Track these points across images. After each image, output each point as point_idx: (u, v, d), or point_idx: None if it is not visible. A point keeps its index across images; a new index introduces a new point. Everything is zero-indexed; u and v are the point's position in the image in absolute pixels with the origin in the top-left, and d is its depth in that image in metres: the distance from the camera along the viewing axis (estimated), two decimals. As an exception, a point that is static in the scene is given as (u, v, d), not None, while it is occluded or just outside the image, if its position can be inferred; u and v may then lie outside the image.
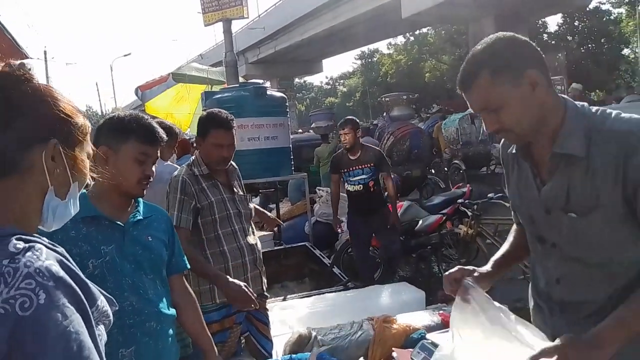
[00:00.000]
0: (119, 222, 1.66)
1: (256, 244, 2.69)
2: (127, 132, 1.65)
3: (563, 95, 1.37)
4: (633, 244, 1.29)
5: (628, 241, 1.29)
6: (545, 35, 29.54)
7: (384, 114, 14.55)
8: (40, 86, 0.90)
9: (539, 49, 1.35)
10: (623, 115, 1.29)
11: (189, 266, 1.93)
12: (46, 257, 0.79)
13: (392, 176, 4.96)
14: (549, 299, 1.48)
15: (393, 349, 2.52)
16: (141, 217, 1.73)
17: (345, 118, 4.83)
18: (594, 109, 1.34)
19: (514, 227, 1.71)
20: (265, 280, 2.74)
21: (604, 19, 27.96)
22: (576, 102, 1.36)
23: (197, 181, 2.53)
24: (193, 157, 2.68)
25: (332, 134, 11.46)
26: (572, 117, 1.31)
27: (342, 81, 60.21)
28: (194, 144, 3.36)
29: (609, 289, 1.33)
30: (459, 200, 5.52)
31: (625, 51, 29.13)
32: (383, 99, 14.46)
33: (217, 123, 2.52)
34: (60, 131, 0.89)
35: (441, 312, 2.96)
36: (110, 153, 1.64)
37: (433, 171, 12.34)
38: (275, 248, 5.21)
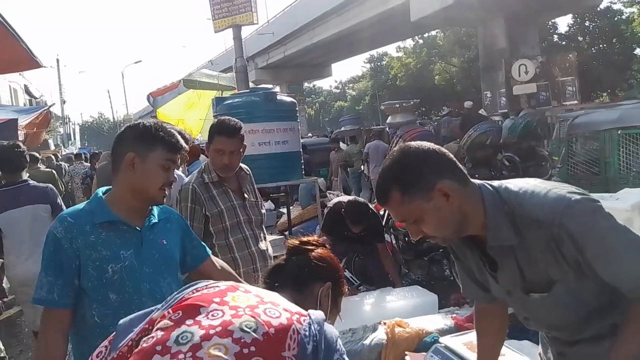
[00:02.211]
0: (136, 227, 1.70)
1: (267, 249, 2.70)
2: (155, 140, 1.69)
3: (476, 183, 1.37)
4: (600, 290, 1.31)
5: (596, 291, 1.32)
6: (555, 36, 29.33)
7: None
8: (322, 252, 1.30)
9: (447, 152, 1.35)
10: (533, 193, 1.31)
11: (210, 252, 1.97)
12: None
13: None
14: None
15: (406, 352, 2.52)
16: (156, 220, 1.76)
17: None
18: (507, 188, 1.35)
19: (475, 322, 1.73)
20: None
21: (615, 19, 27.65)
22: (489, 185, 1.37)
23: (207, 189, 2.55)
24: (204, 164, 2.69)
25: (358, 136, 13.46)
26: (492, 206, 1.32)
27: (351, 85, 60.18)
28: (204, 150, 3.39)
29: (583, 315, 1.39)
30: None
31: (638, 51, 28.79)
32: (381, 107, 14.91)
33: (220, 130, 2.54)
34: (336, 280, 1.29)
35: (454, 315, 2.94)
36: (138, 160, 1.68)
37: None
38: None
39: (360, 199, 4.62)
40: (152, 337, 0.85)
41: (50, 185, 3.85)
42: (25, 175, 3.76)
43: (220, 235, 2.55)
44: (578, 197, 1.26)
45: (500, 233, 1.31)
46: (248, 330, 0.83)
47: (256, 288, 1.00)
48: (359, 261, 5.10)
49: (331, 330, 0.94)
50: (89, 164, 10.15)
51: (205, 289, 0.96)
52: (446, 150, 1.35)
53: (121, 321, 0.94)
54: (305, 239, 1.34)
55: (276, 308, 0.90)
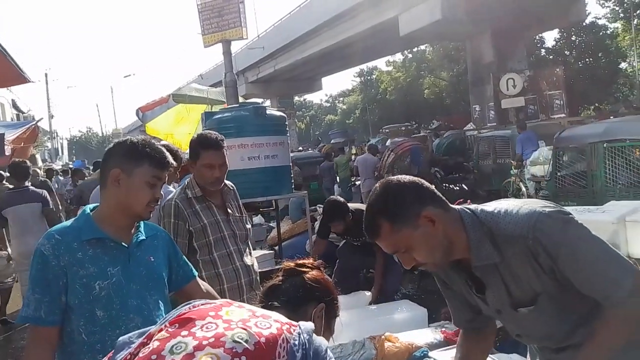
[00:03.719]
0: (123, 244, 1.69)
1: (252, 265, 2.68)
2: (142, 156, 1.69)
3: (455, 208, 1.45)
4: (581, 296, 1.36)
5: (577, 297, 1.37)
6: (542, 51, 29.78)
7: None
8: (317, 274, 1.35)
9: (425, 182, 1.43)
10: (507, 211, 1.38)
11: (196, 273, 1.96)
12: None
13: None
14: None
15: (395, 367, 2.50)
16: (144, 237, 1.76)
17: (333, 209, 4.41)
18: (484, 209, 1.42)
19: (459, 339, 1.77)
20: None
21: (601, 34, 28.18)
22: (466, 209, 1.45)
23: (190, 204, 2.54)
24: (187, 180, 2.68)
25: (346, 147, 15.50)
26: (471, 228, 1.40)
27: (341, 99, 60.54)
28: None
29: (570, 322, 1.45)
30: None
31: (623, 65, 29.31)
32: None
33: (206, 144, 2.52)
34: (330, 301, 1.33)
35: (443, 329, 2.93)
36: (123, 176, 1.67)
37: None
38: (276, 267, 5.18)
39: (340, 199, 4.60)
40: (149, 347, 0.89)
41: (44, 190, 5.61)
42: (27, 182, 5.53)
43: (204, 250, 2.53)
44: (549, 210, 1.33)
45: (482, 253, 1.37)
46: (240, 340, 0.86)
47: (248, 305, 1.03)
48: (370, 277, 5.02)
49: (320, 340, 0.98)
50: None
51: (201, 305, 0.99)
52: (424, 181, 1.43)
53: (120, 338, 0.97)
54: (300, 261, 1.39)
55: (267, 320, 0.94)
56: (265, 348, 0.87)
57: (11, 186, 5.72)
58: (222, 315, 0.94)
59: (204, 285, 1.99)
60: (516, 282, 1.38)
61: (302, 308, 1.27)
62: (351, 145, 16.22)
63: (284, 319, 0.97)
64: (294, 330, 0.93)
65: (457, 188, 10.37)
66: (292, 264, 1.38)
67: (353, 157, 13.98)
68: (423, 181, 1.42)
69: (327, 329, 1.32)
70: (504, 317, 1.50)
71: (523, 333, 1.54)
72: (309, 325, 0.97)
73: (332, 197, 4.94)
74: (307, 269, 1.36)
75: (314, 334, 0.96)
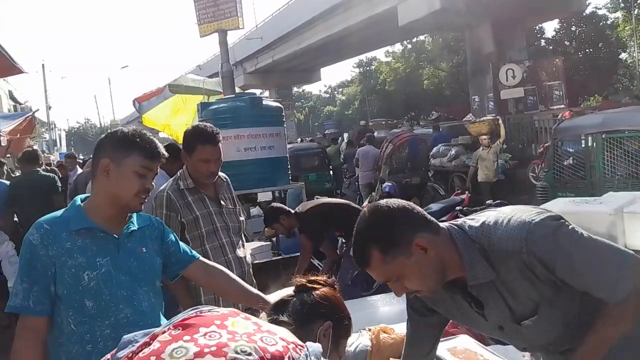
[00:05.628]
0: (114, 235, 1.69)
1: (245, 257, 2.67)
2: (131, 146, 1.68)
3: (443, 226, 1.40)
4: (581, 294, 1.35)
5: (577, 296, 1.36)
6: (542, 41, 29.63)
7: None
8: (327, 291, 1.33)
9: (415, 206, 1.38)
10: (496, 224, 1.34)
11: (197, 256, 1.94)
12: None
13: (390, 184, 4.91)
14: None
15: (391, 359, 2.49)
16: (135, 228, 1.75)
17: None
18: (471, 225, 1.38)
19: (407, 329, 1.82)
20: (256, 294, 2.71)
21: (601, 24, 28.01)
22: (454, 226, 1.40)
23: (182, 195, 2.52)
24: (180, 171, 2.65)
25: (340, 138, 17.11)
26: (464, 247, 1.35)
27: (340, 89, 60.30)
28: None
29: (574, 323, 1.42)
30: (457, 208, 5.51)
31: (623, 55, 29.17)
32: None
33: (203, 138, 2.49)
34: (338, 320, 1.29)
35: (439, 321, 2.92)
36: (112, 166, 1.67)
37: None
38: (274, 258, 5.18)
39: (274, 205, 4.70)
40: (150, 347, 0.87)
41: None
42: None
43: (196, 242, 2.52)
44: (538, 218, 1.29)
45: (477, 272, 1.34)
46: (242, 353, 0.83)
47: (254, 317, 1.00)
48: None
49: None
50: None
51: (208, 312, 0.97)
52: (414, 204, 1.39)
53: (125, 336, 0.96)
54: (313, 277, 1.37)
55: (273, 337, 0.90)
56: None
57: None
58: (227, 325, 0.91)
59: (210, 266, 1.95)
60: (514, 296, 1.36)
61: (309, 325, 1.24)
62: (355, 137, 16.81)
63: (291, 338, 0.93)
64: (301, 350, 0.90)
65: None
66: (304, 280, 1.35)
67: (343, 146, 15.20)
68: (413, 205, 1.38)
69: (334, 350, 1.28)
70: (507, 333, 1.47)
71: (529, 344, 1.51)
72: (317, 347, 0.93)
73: (271, 204, 4.99)
74: (319, 286, 1.34)
75: (321, 357, 0.92)
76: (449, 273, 1.38)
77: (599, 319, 1.33)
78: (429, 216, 1.39)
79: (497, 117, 11.49)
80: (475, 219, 1.40)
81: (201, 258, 1.95)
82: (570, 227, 1.31)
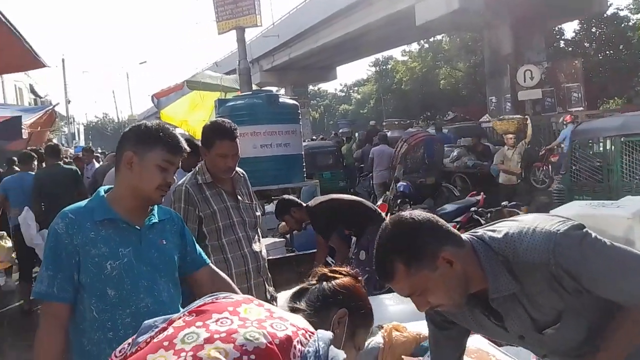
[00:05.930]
0: (136, 226, 1.73)
1: (261, 251, 2.70)
2: (155, 140, 1.72)
3: (465, 237, 1.38)
4: (604, 302, 1.33)
5: (602, 301, 1.33)
6: (561, 42, 29.22)
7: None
8: (346, 281, 1.32)
9: (439, 219, 1.36)
10: (520, 235, 1.31)
11: (208, 261, 1.98)
12: None
13: (405, 184, 4.91)
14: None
15: (403, 357, 2.50)
16: (156, 220, 1.79)
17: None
18: (492, 236, 1.36)
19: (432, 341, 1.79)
20: (270, 289, 2.74)
21: (622, 26, 27.51)
22: (476, 237, 1.38)
23: (200, 190, 2.56)
24: (198, 166, 2.69)
25: (353, 136, 17.23)
26: (487, 259, 1.33)
27: (356, 88, 60.12)
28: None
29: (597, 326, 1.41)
30: (472, 209, 5.48)
31: (644, 58, 28.65)
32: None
33: (222, 134, 2.52)
34: (355, 309, 1.27)
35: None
36: (135, 159, 1.71)
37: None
38: (287, 255, 5.20)
39: (285, 197, 4.68)
40: (165, 332, 0.91)
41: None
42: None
43: (213, 236, 2.55)
44: (563, 229, 1.28)
45: (500, 284, 1.32)
46: (251, 339, 0.85)
47: (268, 304, 1.02)
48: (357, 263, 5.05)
49: (338, 352, 0.93)
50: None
51: (223, 298, 1.00)
52: (438, 217, 1.37)
53: (146, 322, 1.00)
54: (335, 268, 1.36)
55: (284, 323, 0.92)
56: (277, 350, 0.85)
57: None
58: (239, 312, 0.93)
59: (218, 275, 1.97)
60: (537, 307, 1.35)
61: (324, 312, 1.23)
62: (366, 136, 16.76)
63: (302, 324, 0.94)
64: (311, 337, 0.91)
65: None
66: (325, 270, 1.35)
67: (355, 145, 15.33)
68: (437, 218, 1.36)
69: (349, 339, 1.25)
70: (529, 342, 1.46)
71: (549, 352, 1.50)
72: (327, 334, 0.94)
73: (282, 196, 4.98)
74: (340, 276, 1.33)
75: (332, 346, 0.93)
76: (471, 286, 1.36)
77: (624, 323, 1.33)
78: (452, 228, 1.38)
79: (526, 116, 11.20)
80: (497, 230, 1.37)
81: (212, 265, 1.98)
82: (593, 236, 1.30)
